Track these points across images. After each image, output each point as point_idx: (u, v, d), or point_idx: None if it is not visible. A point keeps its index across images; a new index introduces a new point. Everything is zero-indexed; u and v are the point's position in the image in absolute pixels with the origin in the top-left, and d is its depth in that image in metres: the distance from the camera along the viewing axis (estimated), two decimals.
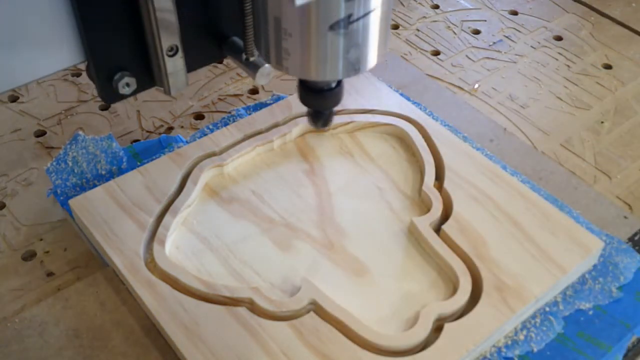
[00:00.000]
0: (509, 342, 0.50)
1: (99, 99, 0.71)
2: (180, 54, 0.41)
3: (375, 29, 0.40)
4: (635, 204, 0.62)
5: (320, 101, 0.45)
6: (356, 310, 0.49)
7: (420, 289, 0.52)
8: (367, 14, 0.39)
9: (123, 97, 0.42)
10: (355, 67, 0.41)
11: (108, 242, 0.53)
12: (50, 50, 0.38)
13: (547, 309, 0.52)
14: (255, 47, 0.44)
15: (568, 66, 0.77)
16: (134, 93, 0.42)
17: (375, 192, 0.58)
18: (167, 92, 0.43)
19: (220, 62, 0.75)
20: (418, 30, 0.82)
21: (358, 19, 0.39)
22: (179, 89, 0.43)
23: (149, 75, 0.42)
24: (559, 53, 0.78)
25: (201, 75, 0.74)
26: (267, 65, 0.45)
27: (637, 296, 0.53)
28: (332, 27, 0.38)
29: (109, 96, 0.41)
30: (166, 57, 0.41)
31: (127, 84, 0.41)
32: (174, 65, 0.42)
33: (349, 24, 0.38)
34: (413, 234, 0.55)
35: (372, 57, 0.41)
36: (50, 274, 0.55)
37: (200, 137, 0.63)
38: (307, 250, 0.54)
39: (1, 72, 0.37)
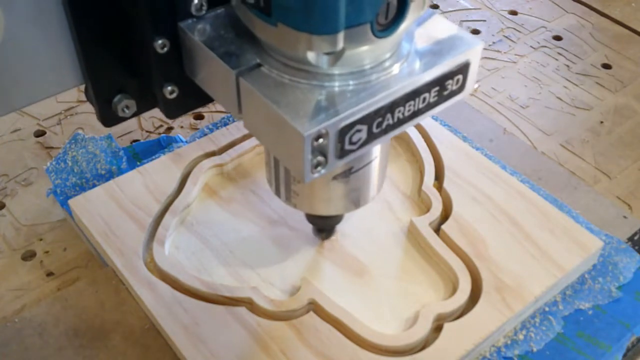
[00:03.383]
0: (509, 342, 0.50)
1: None
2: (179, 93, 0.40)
3: (374, 173, 0.44)
4: (634, 204, 0.62)
5: (323, 222, 0.52)
6: (355, 310, 0.49)
7: (419, 288, 0.52)
8: (367, 164, 0.43)
9: (122, 119, 0.41)
10: (356, 203, 0.46)
11: (108, 242, 0.53)
12: (48, 74, 0.37)
13: (547, 308, 0.52)
14: (267, 180, 0.48)
15: (568, 66, 0.77)
16: (134, 115, 0.41)
17: None
18: (168, 117, 0.42)
19: None
20: None
21: (358, 170, 0.43)
22: (179, 114, 0.42)
23: (149, 97, 0.41)
24: (559, 53, 0.78)
25: None
26: None
27: (637, 296, 0.53)
28: (336, 178, 0.43)
29: (108, 119, 0.40)
30: (167, 95, 0.40)
31: (127, 107, 0.40)
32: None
33: (350, 174, 0.43)
34: (413, 234, 0.55)
35: (372, 194, 0.46)
36: (50, 274, 0.55)
37: (200, 137, 0.63)
38: (307, 250, 0.54)
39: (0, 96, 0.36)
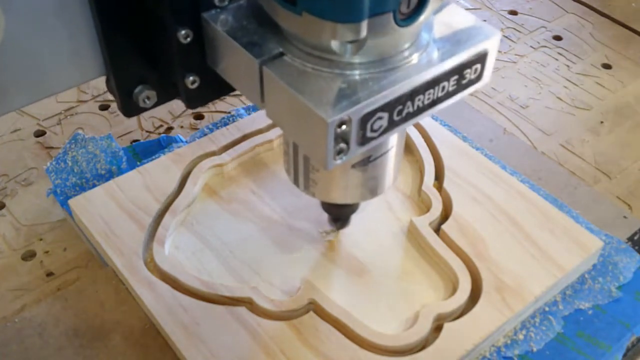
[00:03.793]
0: (509, 342, 0.50)
1: (99, 98, 0.71)
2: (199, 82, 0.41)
3: (391, 162, 0.45)
4: (634, 204, 0.62)
5: (340, 211, 0.52)
6: (355, 309, 0.49)
7: (419, 288, 0.52)
8: (385, 153, 0.44)
9: (143, 110, 0.41)
10: (373, 192, 0.46)
11: (108, 242, 0.53)
12: (71, 65, 0.38)
13: (547, 308, 0.52)
14: (285, 171, 0.48)
15: (568, 66, 0.77)
16: (155, 106, 0.41)
17: None
18: (189, 107, 0.42)
19: None
20: None
21: (377, 158, 0.43)
22: (200, 104, 0.43)
23: (170, 88, 0.41)
24: (559, 53, 0.78)
25: None
26: None
27: (637, 296, 0.53)
28: (354, 166, 0.43)
29: (130, 110, 0.41)
30: (189, 85, 0.40)
31: (148, 97, 0.41)
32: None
33: (369, 162, 0.44)
34: (413, 234, 0.55)
35: (388, 182, 0.46)
36: (50, 274, 0.55)
37: (200, 137, 0.63)
38: (307, 249, 0.54)
39: (24, 86, 0.37)
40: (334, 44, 0.35)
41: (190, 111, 0.70)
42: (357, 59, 0.36)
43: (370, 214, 0.56)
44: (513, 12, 0.85)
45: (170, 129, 0.68)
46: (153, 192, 0.56)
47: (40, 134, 0.68)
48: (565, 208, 0.58)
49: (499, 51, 0.78)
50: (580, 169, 0.65)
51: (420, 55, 0.37)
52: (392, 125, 0.37)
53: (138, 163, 0.61)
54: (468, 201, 0.56)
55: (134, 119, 0.69)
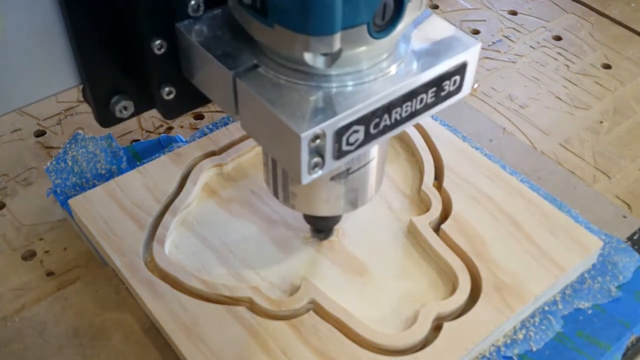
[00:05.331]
0: (508, 341, 0.50)
1: None
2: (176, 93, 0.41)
3: (372, 174, 0.44)
4: (634, 203, 0.62)
5: (321, 223, 0.52)
6: (355, 309, 0.49)
7: (419, 288, 0.52)
8: (365, 164, 0.43)
9: (120, 120, 0.41)
10: (354, 204, 0.46)
11: (108, 241, 0.53)
12: (46, 74, 0.37)
13: (546, 308, 0.52)
14: (265, 181, 0.47)
15: (567, 66, 0.77)
16: (132, 116, 0.41)
17: None
18: (166, 117, 0.42)
19: None
20: None
21: (356, 170, 0.43)
22: (177, 114, 0.42)
23: (147, 98, 0.41)
24: (558, 53, 0.78)
25: None
26: None
27: (636, 295, 0.53)
28: (334, 179, 0.43)
29: (106, 120, 0.40)
30: (164, 95, 0.40)
31: (125, 108, 0.40)
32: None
33: (348, 175, 0.43)
34: (412, 234, 0.55)
35: (370, 194, 0.46)
36: (50, 274, 0.55)
37: (200, 137, 0.63)
38: (307, 249, 0.54)
39: None
40: (307, 57, 0.34)
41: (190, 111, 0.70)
42: (332, 71, 0.35)
43: (370, 214, 0.56)
44: (513, 12, 0.85)
45: (170, 128, 0.68)
46: (153, 192, 0.57)
47: (40, 133, 0.68)
48: (564, 208, 0.58)
49: (499, 51, 0.78)
50: (580, 168, 0.65)
51: (399, 67, 0.37)
52: (368, 138, 0.36)
53: (138, 163, 0.61)
54: (468, 201, 0.56)
55: (133, 119, 0.69)
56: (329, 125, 0.34)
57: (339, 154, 0.35)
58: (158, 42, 0.38)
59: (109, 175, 0.60)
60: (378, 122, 0.36)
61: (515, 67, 0.77)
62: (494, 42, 0.80)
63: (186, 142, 0.63)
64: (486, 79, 0.75)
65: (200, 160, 0.59)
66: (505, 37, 0.80)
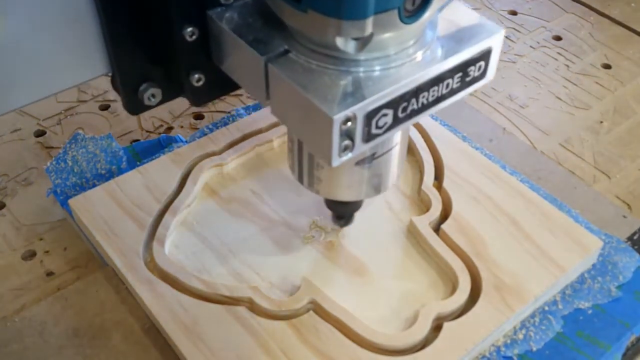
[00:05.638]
0: (508, 341, 0.50)
1: (99, 98, 0.71)
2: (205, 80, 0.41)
3: (395, 160, 0.45)
4: (634, 203, 0.62)
5: (343, 209, 0.52)
6: (355, 309, 0.49)
7: (419, 288, 0.52)
8: (389, 150, 0.44)
9: (148, 108, 0.41)
10: (377, 189, 0.46)
11: (108, 241, 0.53)
12: (76, 62, 0.38)
13: (546, 308, 0.52)
14: (289, 167, 0.48)
15: (567, 66, 0.77)
16: (160, 104, 0.42)
17: None
18: (195, 104, 0.43)
19: None
20: None
21: (381, 155, 0.43)
22: (205, 101, 0.43)
23: (175, 86, 0.41)
24: (558, 53, 0.78)
25: None
26: None
27: (636, 295, 0.53)
28: (358, 163, 0.43)
29: (135, 107, 0.41)
30: (194, 82, 0.41)
31: (153, 95, 0.41)
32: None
33: (373, 160, 0.43)
34: (412, 234, 0.55)
35: (392, 179, 0.47)
36: (50, 274, 0.55)
37: (200, 137, 0.63)
38: (307, 249, 0.54)
39: (30, 83, 0.37)
40: (339, 41, 0.35)
41: (190, 111, 0.70)
42: (362, 56, 0.36)
43: (370, 214, 0.56)
44: (513, 12, 0.85)
45: (170, 128, 0.68)
46: (153, 192, 0.56)
47: (40, 133, 0.68)
48: (564, 208, 0.58)
49: None
50: (580, 168, 0.65)
51: (425, 53, 0.37)
52: (396, 122, 0.37)
53: (138, 163, 0.61)
54: (468, 201, 0.56)
55: (133, 119, 0.69)
56: (360, 109, 0.34)
57: (369, 137, 0.36)
58: (190, 29, 0.38)
59: (109, 175, 0.60)
60: (406, 106, 0.37)
61: (516, 67, 0.77)
62: None
63: (186, 142, 0.63)
64: None
65: (200, 160, 0.59)
66: (505, 37, 0.80)
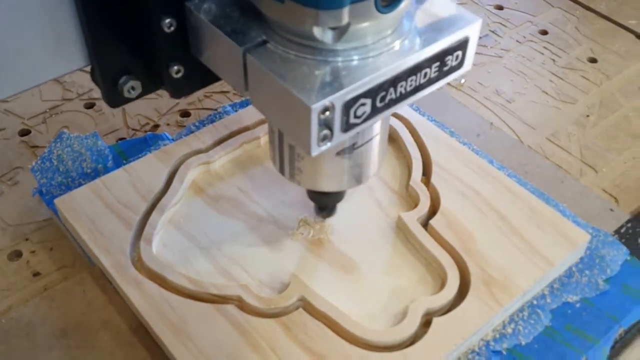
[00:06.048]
0: (497, 336, 0.50)
1: (84, 97, 0.71)
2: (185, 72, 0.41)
3: (375, 150, 0.45)
4: (621, 196, 0.62)
5: (326, 200, 0.52)
6: (345, 306, 0.49)
7: (408, 284, 0.52)
8: (369, 140, 0.44)
9: (128, 100, 0.41)
10: (358, 180, 0.47)
11: (94, 241, 0.53)
12: (55, 55, 0.38)
13: (535, 302, 0.52)
14: (271, 159, 0.48)
15: (553, 60, 0.77)
16: (140, 96, 0.42)
17: (363, 188, 0.58)
18: (174, 96, 0.43)
19: None
20: None
21: (361, 145, 0.44)
22: (185, 93, 0.43)
23: (154, 78, 0.41)
24: (545, 47, 0.79)
25: None
26: None
27: (624, 288, 0.53)
28: (339, 153, 0.44)
29: (114, 100, 0.41)
30: (173, 74, 0.41)
31: (133, 88, 0.41)
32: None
33: (353, 150, 0.43)
34: (401, 229, 0.55)
35: (373, 169, 0.47)
36: (36, 274, 0.55)
37: (187, 134, 0.62)
38: (295, 247, 0.54)
39: (6, 77, 0.37)
40: (316, 31, 0.35)
41: (176, 109, 0.70)
42: (339, 46, 0.36)
43: (358, 210, 0.56)
44: (499, 7, 0.85)
45: (156, 126, 0.68)
46: (140, 191, 0.56)
47: (25, 132, 0.67)
48: (552, 202, 0.59)
49: (485, 46, 0.78)
50: (567, 162, 0.65)
51: (402, 42, 0.38)
52: (375, 111, 0.37)
53: (124, 161, 0.60)
54: (456, 196, 0.56)
55: (119, 117, 0.68)
56: (338, 98, 0.35)
57: (347, 127, 0.36)
58: (168, 20, 0.38)
59: (95, 174, 0.59)
60: (384, 95, 0.37)
61: (502, 61, 0.77)
62: (480, 37, 0.80)
63: (172, 139, 0.63)
64: (473, 73, 0.75)
65: (187, 158, 0.59)
66: (492, 31, 0.80)
